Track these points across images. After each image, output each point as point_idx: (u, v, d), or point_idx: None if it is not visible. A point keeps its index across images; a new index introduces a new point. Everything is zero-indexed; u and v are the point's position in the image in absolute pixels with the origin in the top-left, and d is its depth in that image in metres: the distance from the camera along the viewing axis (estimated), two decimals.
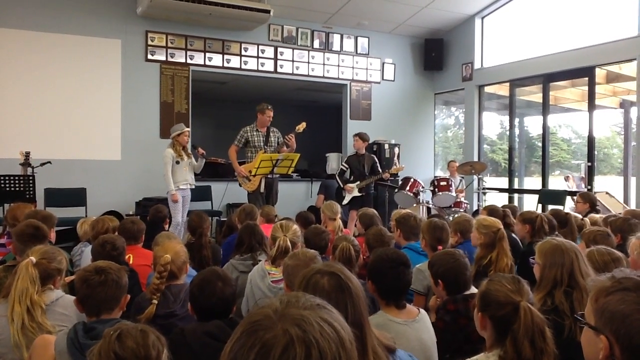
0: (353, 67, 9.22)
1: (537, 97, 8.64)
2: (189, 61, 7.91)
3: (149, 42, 7.65)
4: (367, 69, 9.34)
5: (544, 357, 1.63)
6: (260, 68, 8.45)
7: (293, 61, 8.69)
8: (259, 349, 0.74)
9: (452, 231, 3.69)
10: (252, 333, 0.77)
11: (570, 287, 2.28)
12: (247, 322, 0.80)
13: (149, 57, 7.66)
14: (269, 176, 6.26)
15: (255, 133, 6.49)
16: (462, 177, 8.56)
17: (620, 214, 4.78)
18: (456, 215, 6.75)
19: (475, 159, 8.91)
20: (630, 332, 1.17)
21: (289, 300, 0.84)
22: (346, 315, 1.46)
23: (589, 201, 5.51)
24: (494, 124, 11.43)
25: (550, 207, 7.35)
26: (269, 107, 6.48)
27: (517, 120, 9.23)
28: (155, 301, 2.37)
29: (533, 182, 9.55)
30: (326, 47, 8.96)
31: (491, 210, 4.60)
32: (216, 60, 8.12)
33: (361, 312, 1.53)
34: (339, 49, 9.07)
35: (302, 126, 6.43)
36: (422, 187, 7.30)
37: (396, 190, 7.35)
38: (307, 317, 0.79)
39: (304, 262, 2.34)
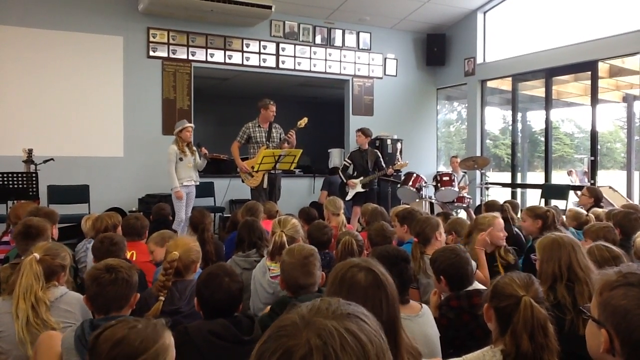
0: (355, 63, 9.20)
1: (540, 92, 8.61)
2: (190, 58, 7.91)
3: (151, 39, 7.65)
4: (369, 64, 9.32)
5: (544, 353, 1.63)
6: (262, 64, 8.44)
7: (295, 57, 8.67)
8: (280, 354, 0.75)
9: (446, 231, 3.68)
10: (278, 338, 0.77)
11: (570, 282, 2.27)
12: (276, 325, 0.81)
13: (151, 53, 7.66)
14: (271, 172, 6.26)
15: (257, 129, 6.49)
16: (465, 172, 8.55)
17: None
18: (457, 213, 6.76)
19: (478, 154, 8.88)
20: (630, 327, 1.17)
21: (319, 307, 0.83)
22: (380, 313, 1.46)
23: (594, 196, 5.47)
24: (496, 118, 11.42)
25: (553, 201, 7.34)
26: (272, 103, 6.50)
27: (519, 115, 9.20)
28: (162, 298, 2.36)
29: (536, 176, 9.52)
30: (328, 42, 8.94)
31: (490, 205, 4.58)
32: (218, 56, 8.11)
33: (395, 310, 1.52)
34: (340, 45, 9.05)
35: (303, 121, 6.41)
36: (425, 183, 7.29)
37: (399, 185, 7.34)
38: (330, 328, 0.77)
39: (300, 259, 2.34)
